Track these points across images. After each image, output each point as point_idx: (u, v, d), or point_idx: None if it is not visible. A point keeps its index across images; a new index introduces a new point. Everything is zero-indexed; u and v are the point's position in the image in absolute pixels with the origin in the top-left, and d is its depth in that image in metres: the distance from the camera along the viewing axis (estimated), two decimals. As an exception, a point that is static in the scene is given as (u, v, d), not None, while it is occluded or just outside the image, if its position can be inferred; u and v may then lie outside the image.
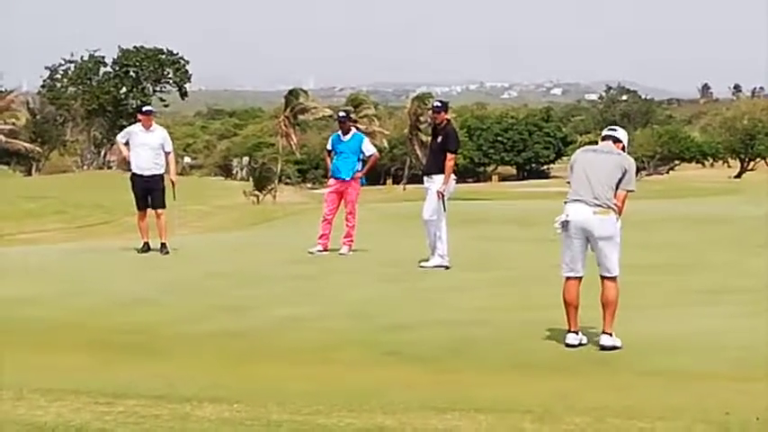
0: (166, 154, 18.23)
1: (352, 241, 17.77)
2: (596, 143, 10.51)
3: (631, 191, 10.05)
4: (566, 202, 10.02)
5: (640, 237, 17.46)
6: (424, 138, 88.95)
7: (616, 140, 10.20)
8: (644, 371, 8.90)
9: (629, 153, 10.36)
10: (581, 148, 11.17)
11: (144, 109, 18.88)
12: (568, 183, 10.23)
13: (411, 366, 9.27)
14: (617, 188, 9.90)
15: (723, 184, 74.23)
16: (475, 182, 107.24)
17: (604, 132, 10.43)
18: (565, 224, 9.90)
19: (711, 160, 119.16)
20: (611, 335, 9.75)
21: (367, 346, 10.07)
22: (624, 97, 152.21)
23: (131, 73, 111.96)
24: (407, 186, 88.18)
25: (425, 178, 16.17)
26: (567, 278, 10.00)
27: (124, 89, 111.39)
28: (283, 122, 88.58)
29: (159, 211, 18.16)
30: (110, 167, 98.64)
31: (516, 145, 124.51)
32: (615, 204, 9.85)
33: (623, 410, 7.43)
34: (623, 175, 9.92)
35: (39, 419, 6.91)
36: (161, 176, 18.23)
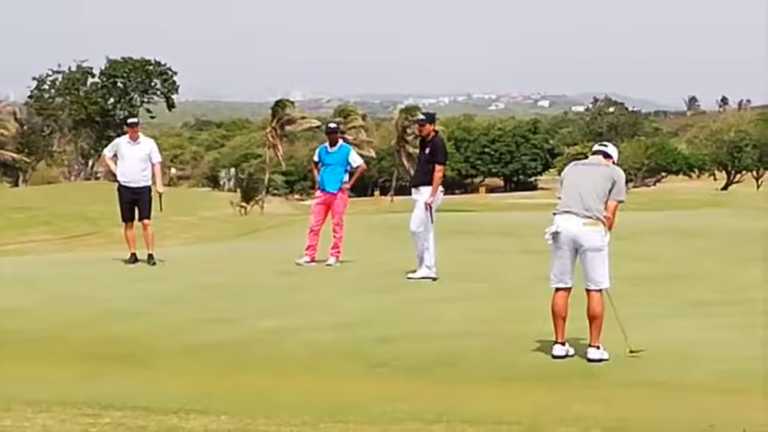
0: (153, 165, 18.20)
1: (339, 252, 17.77)
2: (585, 156, 10.56)
3: (621, 201, 10.09)
4: (555, 214, 10.05)
5: (627, 248, 17.49)
6: (411, 149, 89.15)
7: (606, 156, 10.24)
8: (631, 382, 8.91)
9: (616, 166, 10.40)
10: (571, 162, 11.19)
11: (129, 121, 18.79)
12: (559, 198, 10.27)
13: (398, 378, 9.27)
14: (607, 199, 9.94)
15: (709, 196, 74.49)
16: (462, 193, 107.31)
17: (595, 147, 10.50)
18: (555, 235, 9.92)
19: (698, 172, 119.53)
20: (598, 347, 9.77)
21: (354, 358, 10.07)
22: (611, 109, 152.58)
23: (119, 84, 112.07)
24: (395, 197, 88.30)
25: (413, 190, 16.18)
26: (556, 289, 10.02)
27: (112, 100, 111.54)
28: (270, 134, 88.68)
29: (146, 221, 18.12)
30: (97, 178, 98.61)
31: (503, 156, 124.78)
32: (605, 216, 9.89)
33: (610, 422, 7.45)
34: (613, 185, 9.97)
35: (25, 431, 6.90)
36: (148, 188, 18.19)
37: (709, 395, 8.41)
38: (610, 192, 9.97)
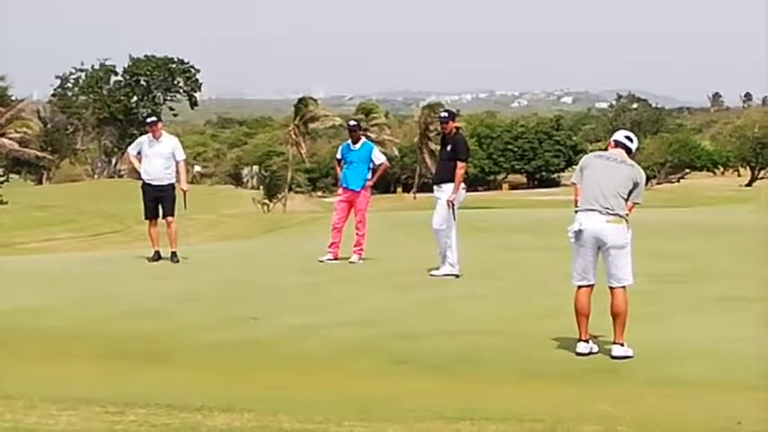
0: (177, 163, 18.24)
1: (362, 250, 17.77)
2: (606, 149, 10.45)
3: (638, 204, 10.07)
4: (577, 211, 10.01)
5: (651, 245, 17.41)
6: (433, 146, 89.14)
7: (627, 150, 10.17)
8: (655, 380, 8.88)
9: (638, 161, 10.34)
10: (592, 153, 11.13)
11: (148, 120, 18.79)
12: (573, 183, 10.25)
13: (421, 375, 9.27)
14: (626, 199, 9.92)
15: (734, 192, 74.10)
16: (485, 190, 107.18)
17: (616, 137, 10.33)
18: (578, 233, 9.88)
19: (722, 169, 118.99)
20: (622, 345, 9.73)
21: (377, 355, 10.07)
22: (634, 105, 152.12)
23: (142, 82, 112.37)
24: (417, 195, 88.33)
25: (435, 187, 16.17)
26: (579, 287, 9.99)
27: (135, 98, 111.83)
28: (293, 131, 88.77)
29: (169, 219, 18.16)
30: (120, 176, 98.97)
31: (526, 153, 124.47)
32: (626, 214, 9.86)
33: (634, 420, 7.42)
34: (634, 187, 9.93)
35: (50, 428, 6.94)
36: (172, 185, 18.22)
37: (735, 392, 8.37)
38: (630, 192, 9.94)
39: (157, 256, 18.20)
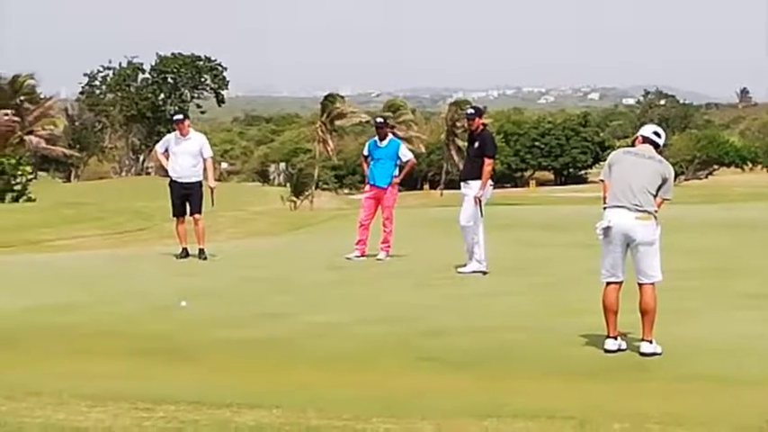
0: (205, 160, 18.29)
1: (389, 247, 17.77)
2: (634, 144, 10.38)
3: (668, 199, 10.01)
4: (605, 208, 9.97)
5: (680, 241, 17.34)
6: (460, 143, 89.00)
7: (655, 145, 10.11)
8: (684, 376, 8.84)
9: (665, 157, 10.28)
10: (620, 149, 11.06)
11: (174, 118, 18.88)
12: (601, 180, 10.21)
13: (449, 372, 9.25)
14: (655, 195, 9.86)
15: (763, 188, 73.62)
16: (512, 187, 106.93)
17: (644, 133, 10.25)
18: (606, 230, 9.83)
19: (750, 165, 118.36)
20: (650, 342, 9.69)
21: (405, 352, 10.06)
22: (662, 102, 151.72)
23: (169, 79, 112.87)
24: (444, 192, 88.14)
25: (462, 184, 16.16)
26: (607, 284, 9.95)
27: (162, 95, 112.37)
28: (320, 128, 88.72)
29: (197, 216, 18.22)
30: (148, 173, 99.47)
31: (554, 150, 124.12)
32: (655, 210, 9.81)
33: (663, 417, 7.39)
34: (663, 183, 9.88)
35: (79, 425, 6.97)
36: (199, 183, 18.28)
37: (764, 389, 8.32)
38: (659, 188, 9.88)
39: (185, 254, 18.26)
